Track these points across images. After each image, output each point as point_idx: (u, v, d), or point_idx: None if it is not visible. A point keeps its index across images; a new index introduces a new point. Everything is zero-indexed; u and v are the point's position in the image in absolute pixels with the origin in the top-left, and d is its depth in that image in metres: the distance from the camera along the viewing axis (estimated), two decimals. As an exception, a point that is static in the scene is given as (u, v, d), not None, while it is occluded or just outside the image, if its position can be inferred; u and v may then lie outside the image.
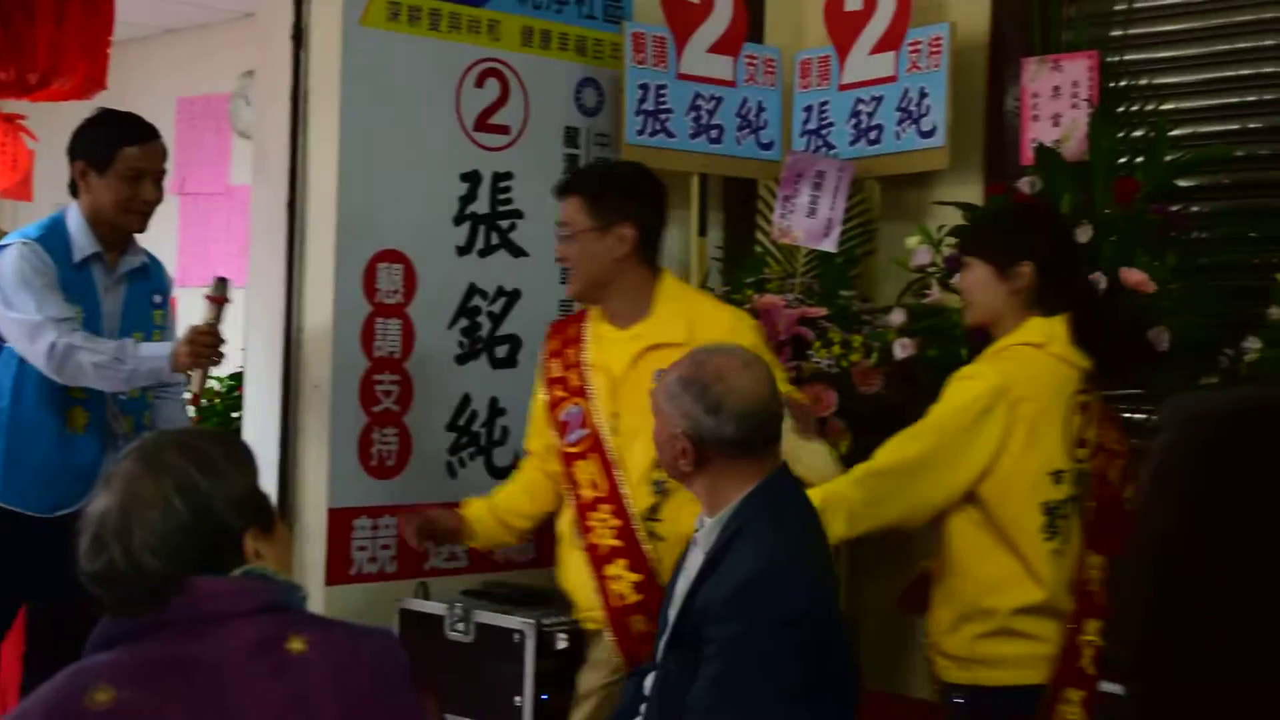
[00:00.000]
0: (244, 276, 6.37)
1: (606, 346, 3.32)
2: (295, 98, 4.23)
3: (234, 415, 5.15)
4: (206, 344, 3.54)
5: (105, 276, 3.77)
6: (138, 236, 3.90)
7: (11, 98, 4.63)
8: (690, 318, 3.26)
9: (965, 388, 3.04)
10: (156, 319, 3.90)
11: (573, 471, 3.30)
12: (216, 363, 3.61)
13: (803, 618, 2.59)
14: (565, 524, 3.36)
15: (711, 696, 2.54)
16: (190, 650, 1.82)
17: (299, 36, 4.24)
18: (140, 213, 3.78)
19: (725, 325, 3.24)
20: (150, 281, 3.92)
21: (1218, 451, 1.24)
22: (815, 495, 2.89)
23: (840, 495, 2.98)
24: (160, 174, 3.76)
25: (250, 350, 4.36)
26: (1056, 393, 3.04)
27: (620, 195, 3.35)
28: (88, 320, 3.64)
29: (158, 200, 3.79)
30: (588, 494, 3.25)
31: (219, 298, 3.61)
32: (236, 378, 4.52)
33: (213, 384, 4.50)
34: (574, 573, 3.32)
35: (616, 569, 3.19)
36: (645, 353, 3.25)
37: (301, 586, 1.99)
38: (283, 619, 1.89)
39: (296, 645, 1.86)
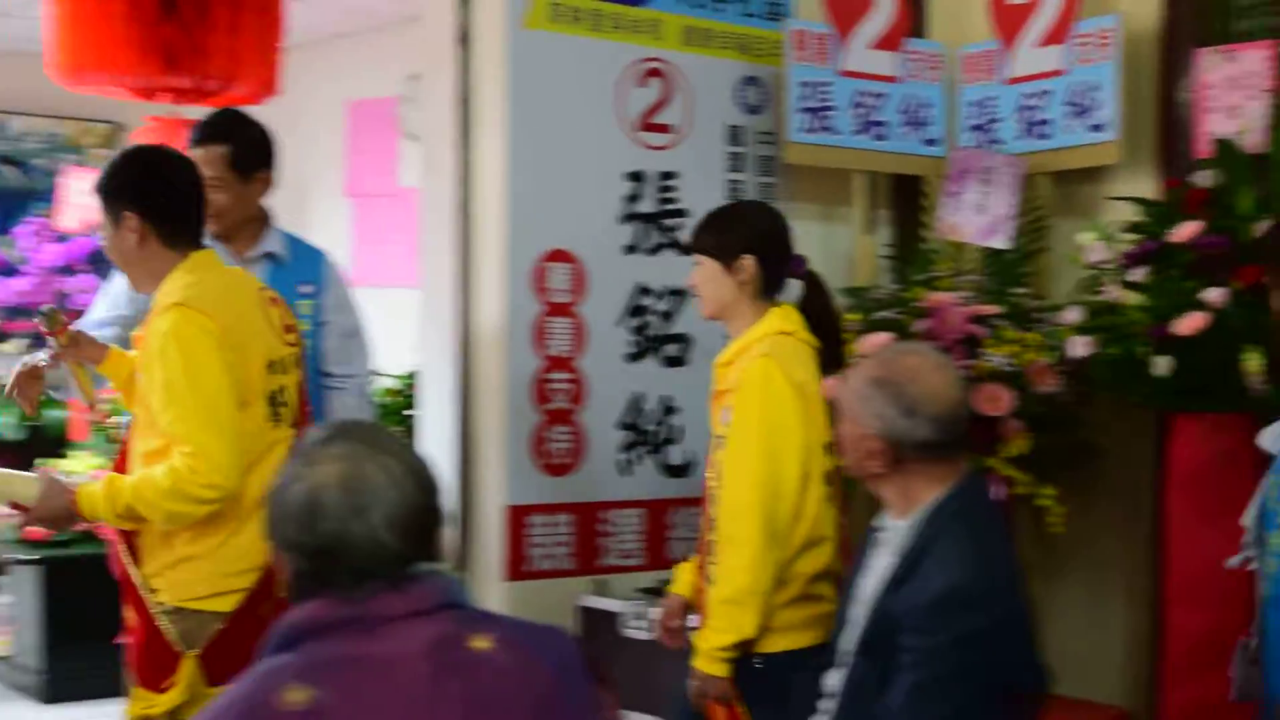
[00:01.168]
0: (417, 277, 6.47)
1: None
2: (462, 100, 4.31)
3: (405, 414, 5.27)
4: (19, 380, 3.35)
5: (229, 260, 3.67)
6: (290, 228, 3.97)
7: (191, 104, 4.76)
8: (161, 293, 3.11)
9: (769, 394, 3.11)
10: (304, 308, 3.88)
11: None
12: (37, 394, 3.38)
13: (1002, 627, 2.59)
14: None
15: (911, 704, 2.55)
16: (374, 649, 1.79)
17: (464, 39, 4.31)
18: None
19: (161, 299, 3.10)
20: (291, 271, 3.93)
21: None
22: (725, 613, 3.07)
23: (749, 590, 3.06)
24: (209, 180, 3.47)
25: (425, 350, 4.45)
26: (815, 372, 3.23)
27: (119, 187, 3.19)
28: None
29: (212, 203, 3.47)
30: None
31: (49, 331, 3.34)
32: (411, 377, 4.61)
33: (391, 382, 4.58)
34: None
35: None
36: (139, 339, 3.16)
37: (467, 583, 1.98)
38: (461, 616, 1.87)
39: (480, 643, 1.83)
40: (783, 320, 3.23)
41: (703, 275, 3.29)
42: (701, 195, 4.44)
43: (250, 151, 3.92)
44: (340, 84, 7.24)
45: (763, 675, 3.12)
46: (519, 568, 4.17)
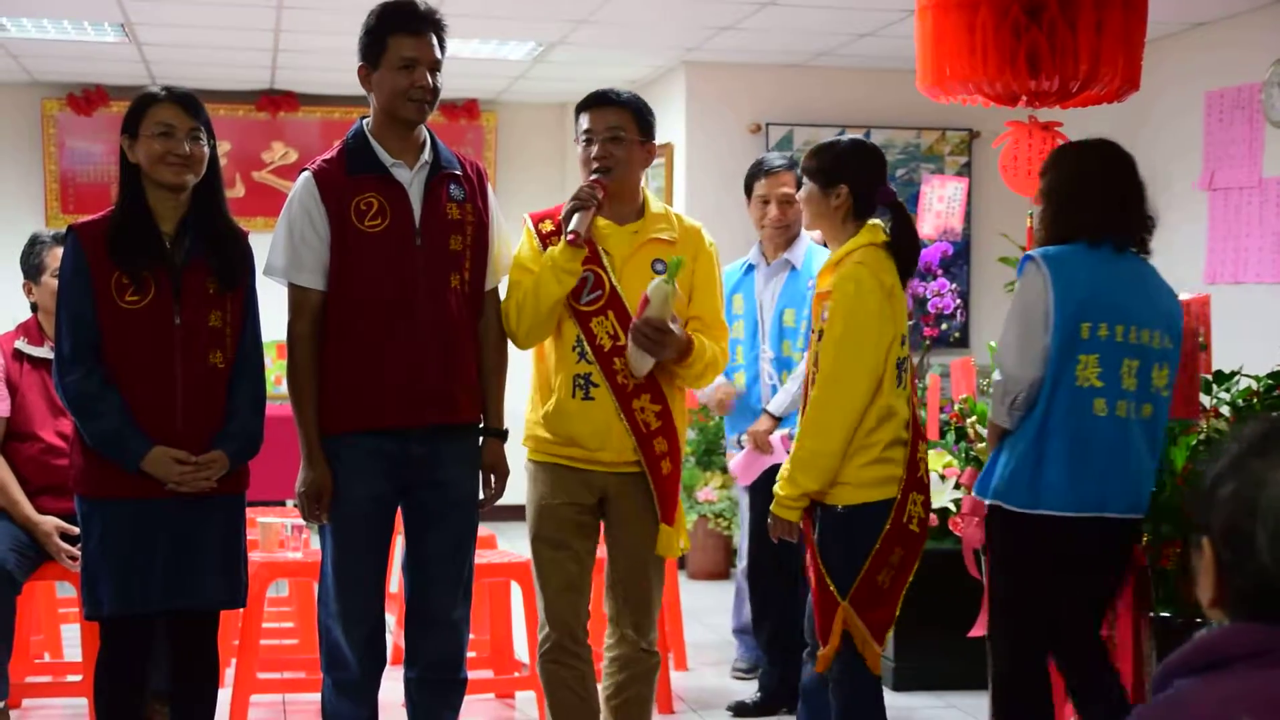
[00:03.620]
0: (1278, 273, 6.15)
1: (608, 235, 3.93)
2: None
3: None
4: (644, 335, 3.79)
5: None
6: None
7: (1051, 106, 4.80)
8: (673, 222, 4.00)
9: (861, 293, 3.76)
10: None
11: (590, 327, 3.88)
12: (659, 355, 3.82)
13: None
14: (563, 379, 3.89)
15: None
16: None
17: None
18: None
19: (697, 231, 4.04)
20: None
21: None
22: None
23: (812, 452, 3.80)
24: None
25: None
26: (896, 275, 3.87)
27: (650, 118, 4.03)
28: None
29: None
30: (607, 344, 3.86)
31: (670, 277, 3.80)
32: (1276, 377, 4.37)
33: (1250, 383, 4.37)
34: (589, 419, 3.87)
35: (642, 402, 3.86)
36: (644, 245, 3.94)
37: None
38: None
39: None
40: (873, 234, 3.87)
41: (805, 196, 3.95)
42: None
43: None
44: (1199, 74, 7.02)
45: (842, 521, 3.81)
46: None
